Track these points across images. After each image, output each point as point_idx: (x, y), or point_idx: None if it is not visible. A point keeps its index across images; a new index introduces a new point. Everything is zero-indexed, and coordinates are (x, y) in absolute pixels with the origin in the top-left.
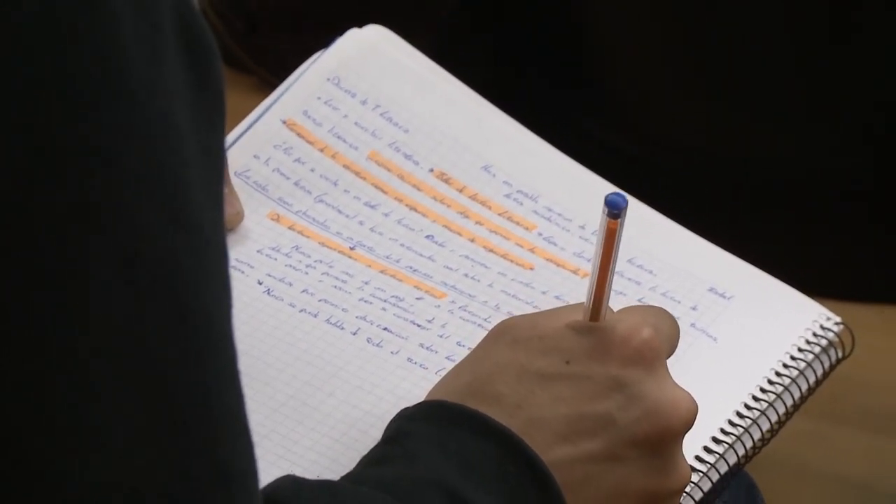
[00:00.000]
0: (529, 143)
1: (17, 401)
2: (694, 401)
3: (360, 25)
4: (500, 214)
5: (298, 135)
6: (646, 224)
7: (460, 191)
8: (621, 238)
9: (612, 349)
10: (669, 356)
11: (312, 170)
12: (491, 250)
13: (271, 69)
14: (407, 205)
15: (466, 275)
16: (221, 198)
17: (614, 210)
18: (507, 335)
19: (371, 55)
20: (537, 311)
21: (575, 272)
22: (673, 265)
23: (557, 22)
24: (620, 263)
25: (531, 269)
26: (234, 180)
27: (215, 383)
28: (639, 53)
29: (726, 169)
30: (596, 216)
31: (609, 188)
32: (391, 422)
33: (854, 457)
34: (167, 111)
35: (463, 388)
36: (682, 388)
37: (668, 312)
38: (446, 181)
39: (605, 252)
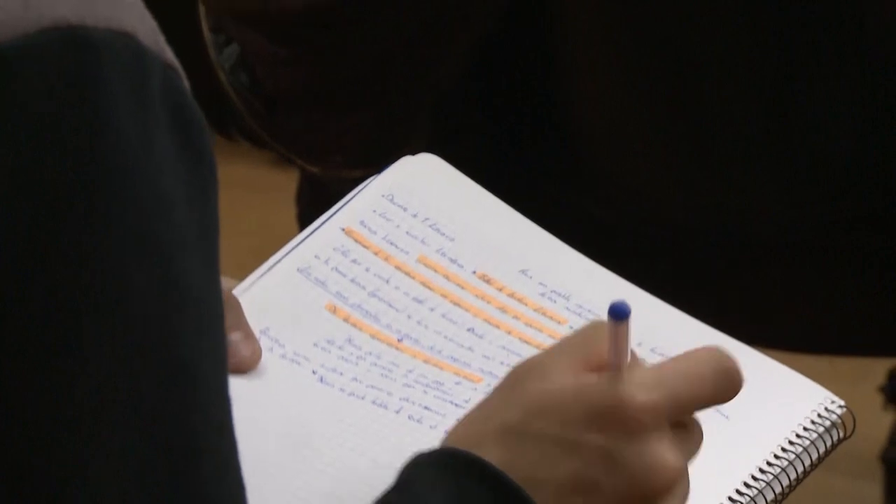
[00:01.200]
0: (562, 250)
1: (12, 445)
2: (676, 463)
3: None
4: (535, 310)
5: (355, 240)
6: (659, 312)
7: (500, 290)
8: (629, 332)
9: (602, 415)
10: (680, 414)
11: (367, 269)
12: (526, 341)
13: (288, 145)
14: (451, 301)
15: (503, 363)
16: (216, 261)
17: (618, 318)
18: (516, 388)
19: (421, 176)
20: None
21: None
22: (687, 349)
23: (548, 104)
24: (644, 351)
25: None
26: (297, 276)
27: (203, 430)
28: (625, 136)
29: (703, 237)
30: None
31: (634, 289)
32: (404, 468)
33: (825, 496)
34: (158, 184)
35: (472, 437)
36: (666, 452)
37: (695, 368)
38: (487, 281)
39: (617, 349)
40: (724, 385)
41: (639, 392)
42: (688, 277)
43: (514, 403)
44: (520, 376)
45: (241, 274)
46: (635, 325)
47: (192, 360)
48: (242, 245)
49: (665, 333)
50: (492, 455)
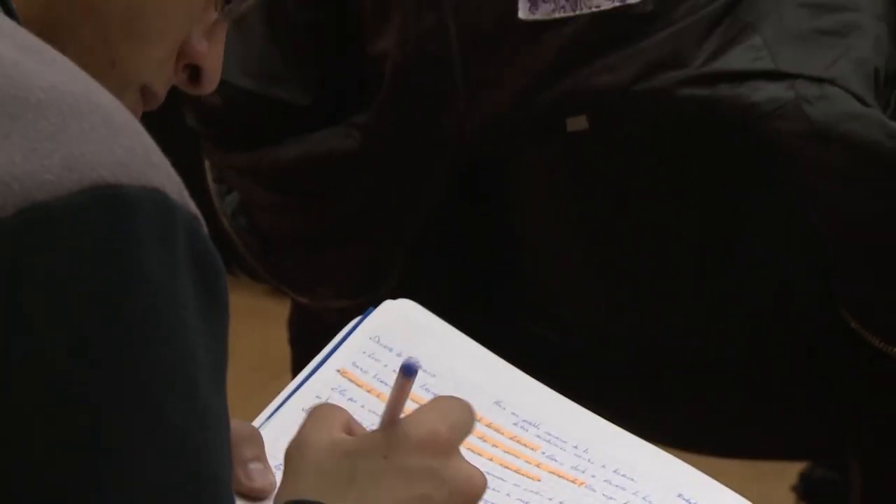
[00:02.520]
0: (529, 384)
1: None
2: (482, 474)
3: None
4: (510, 438)
5: (350, 380)
6: (626, 443)
7: (479, 420)
8: (411, 389)
9: (421, 444)
10: (466, 436)
11: (362, 406)
12: (506, 467)
13: (281, 279)
14: None
15: (489, 487)
16: (224, 382)
17: (408, 374)
18: (310, 448)
19: (403, 320)
20: None
21: (573, 481)
22: (649, 473)
23: (508, 252)
24: (608, 473)
25: (538, 480)
26: (303, 415)
27: None
28: (572, 281)
29: (637, 358)
30: (586, 438)
31: (591, 417)
32: None
33: None
34: (183, 321)
35: (311, 491)
36: (473, 466)
37: (458, 401)
38: None
39: (400, 397)
40: (471, 416)
41: (441, 422)
42: (627, 391)
43: (328, 456)
44: (305, 444)
45: (243, 388)
46: (600, 452)
47: (212, 469)
48: (244, 364)
49: (623, 457)
50: (333, 499)
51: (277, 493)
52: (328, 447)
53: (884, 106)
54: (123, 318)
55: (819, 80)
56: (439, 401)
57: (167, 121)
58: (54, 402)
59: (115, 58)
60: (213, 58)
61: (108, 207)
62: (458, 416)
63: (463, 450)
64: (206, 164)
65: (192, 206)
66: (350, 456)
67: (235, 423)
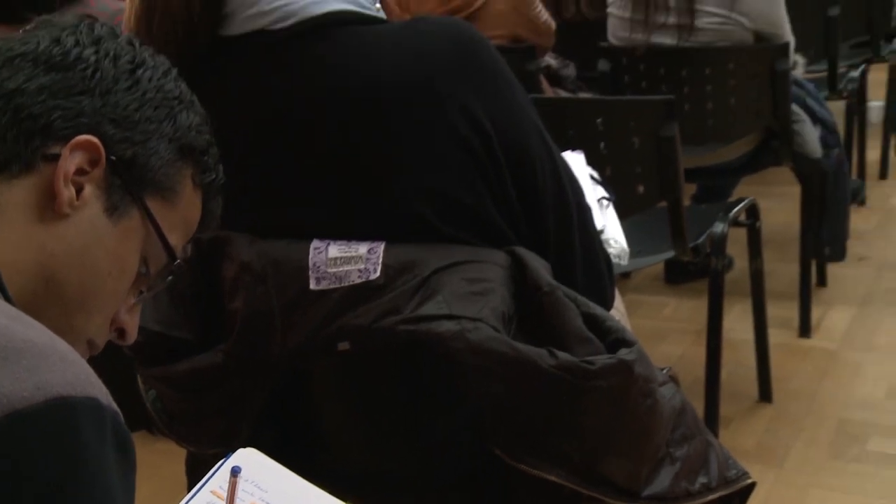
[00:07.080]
0: (324, 496)
1: None
2: None
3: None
4: None
5: (217, 497)
6: None
7: None
8: (237, 484)
9: None
10: None
11: None
12: None
13: (180, 437)
14: None
15: None
16: None
17: (234, 474)
18: None
19: (249, 459)
20: None
21: None
22: None
23: (310, 415)
24: None
25: None
26: None
27: None
28: (345, 429)
29: (385, 472)
30: None
31: None
32: None
33: None
34: (108, 474)
35: None
36: None
37: None
38: None
39: (233, 491)
40: None
41: None
42: (387, 496)
43: None
44: None
45: (158, 501)
46: None
47: None
48: (158, 485)
49: None
50: None
51: None
52: None
53: (508, 332)
54: (73, 476)
55: (474, 319)
56: None
57: (115, 353)
58: None
59: (73, 324)
60: (132, 324)
61: (62, 411)
62: None
63: None
64: (138, 375)
65: (115, 406)
66: None
67: None
